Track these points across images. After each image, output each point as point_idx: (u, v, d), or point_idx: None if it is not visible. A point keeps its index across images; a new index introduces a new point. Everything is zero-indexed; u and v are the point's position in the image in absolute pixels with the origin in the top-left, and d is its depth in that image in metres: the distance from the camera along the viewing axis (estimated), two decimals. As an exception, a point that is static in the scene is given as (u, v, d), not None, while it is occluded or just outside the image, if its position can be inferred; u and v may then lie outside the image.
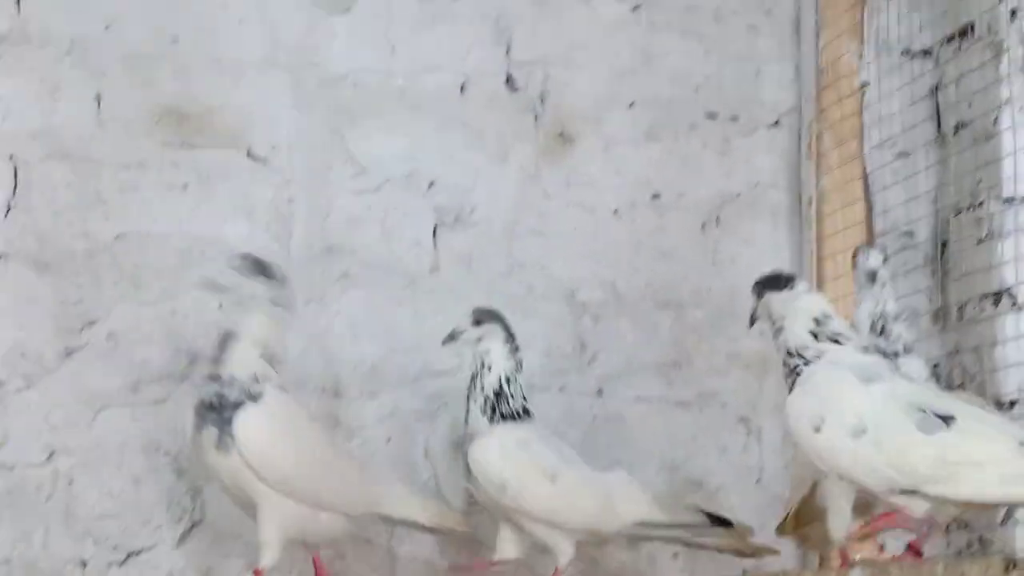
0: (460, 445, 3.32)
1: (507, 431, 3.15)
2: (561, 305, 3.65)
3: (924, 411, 2.67)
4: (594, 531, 3.15)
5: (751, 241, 3.74)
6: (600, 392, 3.64)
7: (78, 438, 3.37)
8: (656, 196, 3.72)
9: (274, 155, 3.53)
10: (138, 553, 3.36)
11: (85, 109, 3.43)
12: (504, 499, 3.11)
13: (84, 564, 3.36)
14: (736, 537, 3.20)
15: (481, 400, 3.18)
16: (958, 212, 3.47)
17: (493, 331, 3.21)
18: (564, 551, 3.14)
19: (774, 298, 2.86)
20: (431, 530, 3.25)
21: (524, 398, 3.19)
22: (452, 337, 3.23)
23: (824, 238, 3.64)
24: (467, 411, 3.20)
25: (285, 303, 3.11)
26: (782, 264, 3.66)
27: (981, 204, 3.43)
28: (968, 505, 2.72)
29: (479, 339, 3.21)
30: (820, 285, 3.60)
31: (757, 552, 3.23)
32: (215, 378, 3.03)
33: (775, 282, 2.87)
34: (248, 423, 2.99)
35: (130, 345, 3.41)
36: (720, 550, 3.25)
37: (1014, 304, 3.32)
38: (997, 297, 3.37)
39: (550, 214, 3.67)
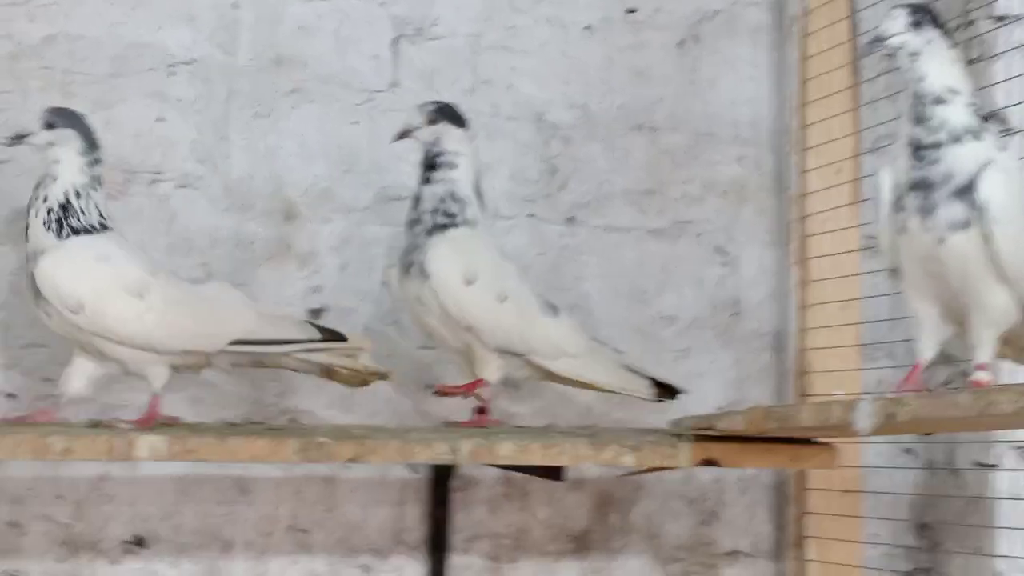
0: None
1: (82, 244, 2.64)
2: (529, 127, 3.25)
3: None
4: (192, 351, 2.70)
5: (731, 61, 3.35)
6: (570, 220, 3.27)
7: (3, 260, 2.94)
8: (631, 11, 3.32)
9: (219, -45, 3.08)
10: None
11: None
12: (80, 320, 2.62)
13: (11, 396, 2.96)
14: (350, 354, 2.80)
15: (44, 213, 2.64)
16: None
17: (67, 137, 2.68)
18: (158, 375, 2.70)
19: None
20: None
21: (101, 215, 2.67)
22: (19, 138, 2.69)
23: (807, 58, 3.24)
24: (27, 227, 2.67)
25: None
26: (761, 87, 3.26)
27: (972, 23, 3.05)
28: None
29: (51, 144, 2.68)
30: (803, 107, 3.21)
31: (369, 376, 2.84)
32: None
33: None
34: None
35: (60, 159, 2.95)
36: (336, 376, 2.83)
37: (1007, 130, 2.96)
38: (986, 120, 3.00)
39: (518, 28, 3.26)
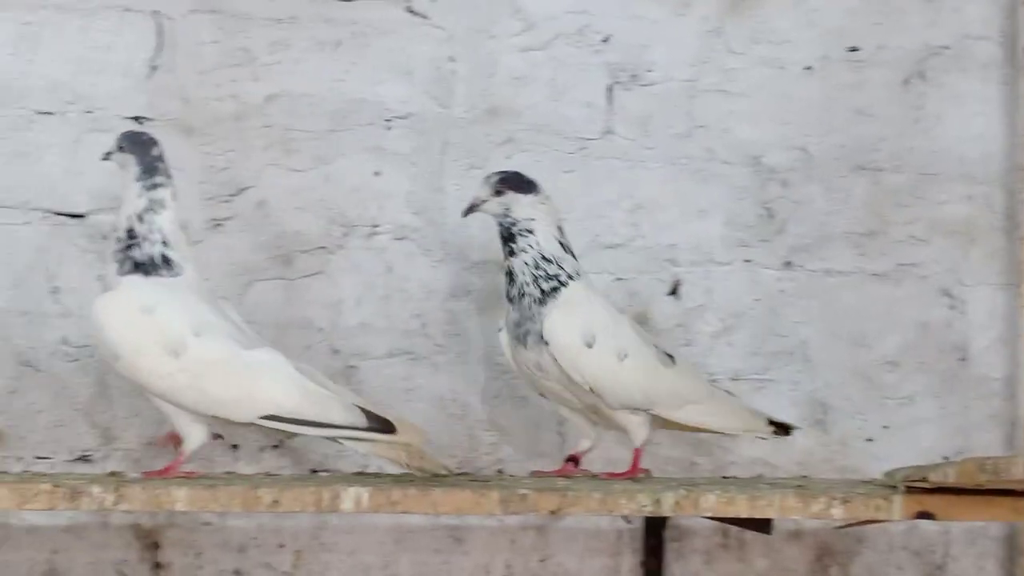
0: (636, 322, 2.89)
1: (134, 287, 2.57)
2: (745, 170, 3.17)
3: None
4: (222, 419, 2.59)
5: (959, 97, 3.20)
6: (788, 264, 3.17)
7: (228, 313, 3.00)
8: (853, 49, 3.20)
9: (434, 9, 3.10)
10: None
11: (232, -40, 3.03)
12: (119, 369, 2.55)
13: (235, 448, 3.01)
14: (401, 450, 2.60)
15: (114, 246, 2.58)
16: None
17: (127, 162, 2.62)
18: (192, 435, 2.59)
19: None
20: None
21: (165, 244, 2.58)
22: (108, 155, 2.64)
23: (1041, 95, 3.09)
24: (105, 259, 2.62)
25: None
26: (992, 123, 3.11)
27: None
28: None
29: (121, 168, 2.61)
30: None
31: (431, 470, 2.63)
32: None
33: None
34: None
35: (281, 214, 3.02)
36: (395, 462, 2.63)
37: None
38: None
39: (734, 71, 3.18)
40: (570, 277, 2.75)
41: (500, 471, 3.06)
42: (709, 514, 2.62)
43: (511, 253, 2.75)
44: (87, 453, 2.98)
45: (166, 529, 3.00)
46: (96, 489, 2.52)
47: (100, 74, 3.00)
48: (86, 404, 3.00)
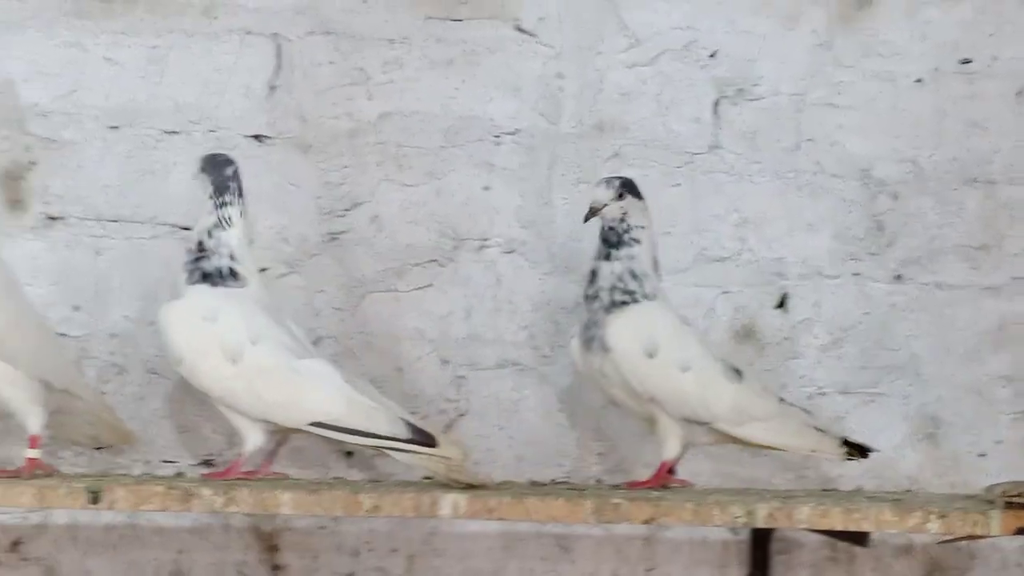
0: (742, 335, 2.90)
1: (199, 295, 2.70)
2: (854, 183, 3.15)
3: None
4: (273, 423, 2.68)
5: (1076, 110, 3.13)
6: (898, 277, 3.13)
7: (342, 324, 3.07)
8: (965, 61, 3.15)
9: (542, 27, 3.13)
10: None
11: (349, -17, 3.11)
12: (182, 372, 2.69)
13: (348, 455, 3.07)
14: (441, 462, 2.65)
15: (184, 258, 2.74)
16: None
17: (203, 183, 2.77)
18: (250, 438, 2.69)
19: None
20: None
21: (232, 257, 2.71)
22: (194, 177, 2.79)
23: None
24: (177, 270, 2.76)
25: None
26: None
27: None
28: None
29: (202, 186, 2.77)
30: None
31: (470, 483, 2.65)
32: None
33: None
34: None
35: (394, 228, 3.08)
36: (434, 473, 2.69)
37: None
38: None
39: (844, 85, 3.16)
40: (645, 296, 2.76)
41: (599, 480, 3.07)
42: (804, 526, 2.61)
43: (607, 256, 2.78)
44: (210, 457, 3.07)
45: (284, 532, 3.07)
46: (207, 491, 2.61)
47: (222, 95, 3.09)
48: (209, 410, 3.08)
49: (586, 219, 2.80)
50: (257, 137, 3.10)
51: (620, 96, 3.14)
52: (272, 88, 3.11)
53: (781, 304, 3.13)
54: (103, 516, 3.01)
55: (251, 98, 3.10)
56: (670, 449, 2.79)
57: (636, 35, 3.14)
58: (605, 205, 2.78)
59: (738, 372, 2.80)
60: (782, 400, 2.86)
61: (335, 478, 2.97)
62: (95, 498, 2.61)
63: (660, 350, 2.73)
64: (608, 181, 2.80)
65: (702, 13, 3.14)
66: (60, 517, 3.03)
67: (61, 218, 3.06)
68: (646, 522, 2.59)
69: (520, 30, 3.13)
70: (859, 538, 2.74)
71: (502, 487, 2.77)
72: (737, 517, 2.58)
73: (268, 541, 3.08)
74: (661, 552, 3.09)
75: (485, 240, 3.13)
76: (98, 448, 2.99)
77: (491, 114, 3.13)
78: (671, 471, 2.82)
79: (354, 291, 3.10)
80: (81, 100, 3.06)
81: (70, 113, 3.06)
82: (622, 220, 2.78)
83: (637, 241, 2.78)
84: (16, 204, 3.05)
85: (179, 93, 3.08)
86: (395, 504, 2.62)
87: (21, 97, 3.04)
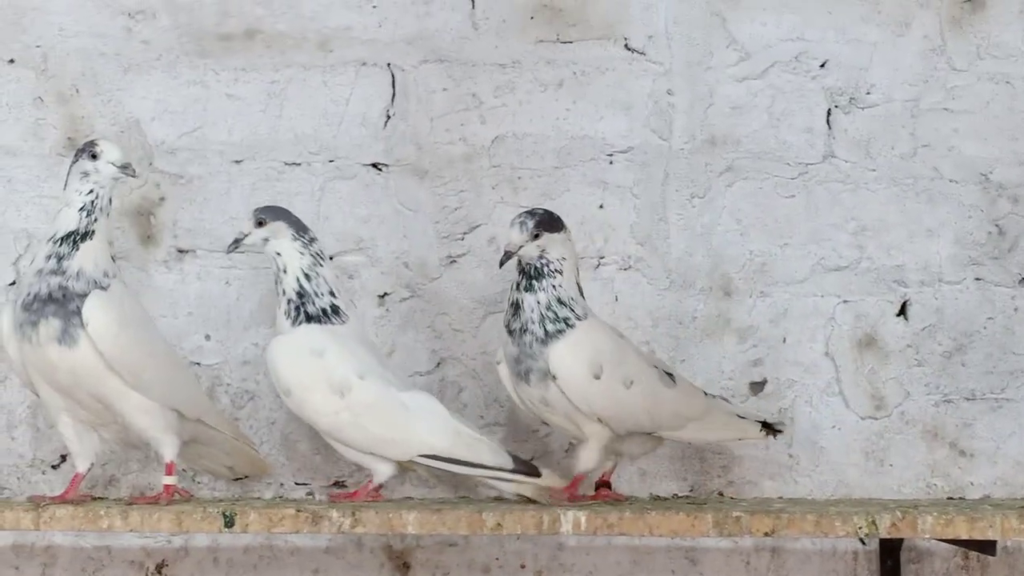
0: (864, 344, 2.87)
1: (306, 333, 2.72)
2: (973, 188, 3.09)
3: None
4: (383, 456, 2.73)
5: None
6: (1022, 281, 3.06)
7: (464, 346, 3.09)
8: (1084, 60, 3.08)
9: (651, 45, 3.13)
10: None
11: (460, 10, 3.12)
12: (290, 405, 2.74)
13: (475, 470, 3.09)
14: (542, 492, 2.73)
15: (284, 304, 2.75)
16: None
17: (278, 229, 2.77)
18: (378, 471, 2.75)
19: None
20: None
21: (332, 294, 2.75)
22: (236, 243, 2.80)
23: None
24: (275, 319, 2.79)
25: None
26: None
27: None
28: None
29: (266, 240, 2.77)
30: None
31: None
32: (58, 272, 2.68)
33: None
34: (96, 307, 2.66)
35: (511, 249, 3.09)
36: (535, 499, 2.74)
37: None
38: None
39: (958, 89, 3.11)
40: (578, 318, 2.73)
41: (720, 494, 3.05)
42: (927, 535, 2.57)
43: (528, 288, 2.73)
44: (342, 479, 3.11)
45: (415, 551, 3.10)
46: (335, 513, 2.65)
47: (340, 125, 3.14)
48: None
49: (501, 264, 2.74)
50: (375, 165, 3.14)
51: (731, 110, 3.13)
52: (388, 117, 3.14)
53: (902, 311, 3.09)
54: (242, 538, 3.07)
55: (368, 127, 3.14)
56: (587, 463, 2.77)
57: (745, 48, 3.13)
58: (521, 247, 2.73)
59: (671, 376, 2.79)
60: (707, 394, 2.84)
61: (460, 497, 2.99)
62: (229, 522, 2.66)
63: (604, 370, 2.70)
64: (521, 223, 2.73)
65: (811, 23, 3.11)
66: (201, 540, 3.09)
67: (191, 251, 3.12)
68: (767, 534, 2.57)
69: (629, 49, 3.13)
70: (987, 546, 2.69)
71: (623, 503, 2.76)
72: (860, 528, 2.55)
73: (400, 559, 3.11)
74: (790, 563, 3.06)
75: (602, 258, 3.13)
76: (236, 479, 3.04)
77: (603, 133, 3.13)
78: (608, 485, 2.82)
79: (474, 312, 3.12)
80: (205, 136, 3.12)
81: (195, 149, 3.12)
82: (540, 257, 2.74)
83: (559, 272, 2.74)
84: (148, 239, 3.12)
85: (298, 125, 3.13)
86: (517, 522, 2.63)
87: (149, 136, 3.12)
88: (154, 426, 2.74)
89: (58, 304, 2.66)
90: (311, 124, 3.13)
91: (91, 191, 2.71)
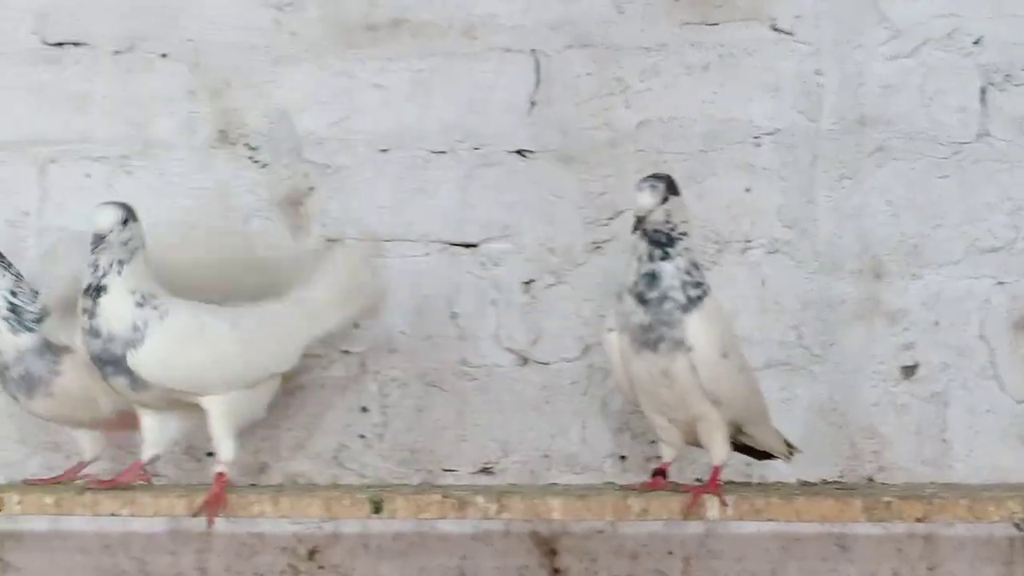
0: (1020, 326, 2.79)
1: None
2: None
3: None
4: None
5: None
6: None
7: (610, 331, 3.06)
8: None
9: (799, 25, 3.07)
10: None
11: (604, -5, 3.11)
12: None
13: (623, 458, 3.07)
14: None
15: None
16: None
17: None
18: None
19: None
20: None
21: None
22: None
23: None
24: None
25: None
26: None
27: None
28: None
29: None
30: None
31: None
32: None
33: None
34: None
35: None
36: None
37: None
38: None
39: (1120, 62, 2.99)
40: (710, 287, 2.65)
41: (870, 479, 2.99)
42: (1090, 521, 2.48)
43: (664, 256, 2.63)
44: (488, 465, 3.11)
45: (562, 537, 3.09)
46: (480, 499, 2.65)
47: (485, 112, 3.13)
48: (486, 420, 3.13)
49: (634, 230, 2.64)
50: (520, 151, 3.13)
51: (881, 89, 3.06)
52: (532, 103, 3.13)
53: (1061, 293, 3.00)
54: (391, 524, 3.09)
55: (513, 114, 3.13)
56: (720, 452, 2.67)
57: (896, 26, 3.05)
58: (651, 211, 2.63)
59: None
60: None
61: (606, 483, 2.97)
62: (377, 508, 2.67)
63: (730, 352, 2.63)
64: (652, 187, 2.63)
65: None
66: (352, 527, 3.12)
67: (339, 240, 3.15)
68: (919, 520, 2.51)
69: (776, 29, 3.08)
70: None
71: (770, 488, 2.72)
72: (1015, 513, 2.48)
73: (547, 545, 3.10)
74: (943, 550, 2.98)
75: (748, 242, 3.08)
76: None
77: (750, 115, 3.08)
78: (664, 474, 2.72)
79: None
80: (352, 126, 3.15)
81: (343, 139, 3.15)
82: (667, 221, 2.65)
83: (686, 235, 2.66)
84: (298, 229, 3.16)
85: (444, 114, 3.14)
86: (663, 507, 2.60)
87: (297, 127, 3.15)
88: None
89: None
90: (456, 112, 3.14)
91: None
